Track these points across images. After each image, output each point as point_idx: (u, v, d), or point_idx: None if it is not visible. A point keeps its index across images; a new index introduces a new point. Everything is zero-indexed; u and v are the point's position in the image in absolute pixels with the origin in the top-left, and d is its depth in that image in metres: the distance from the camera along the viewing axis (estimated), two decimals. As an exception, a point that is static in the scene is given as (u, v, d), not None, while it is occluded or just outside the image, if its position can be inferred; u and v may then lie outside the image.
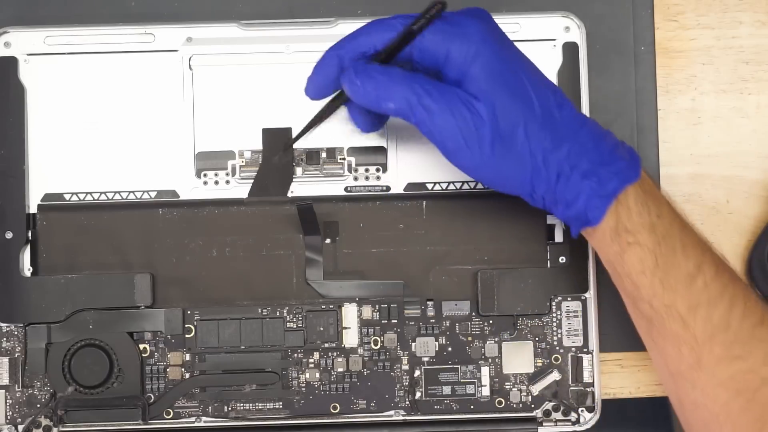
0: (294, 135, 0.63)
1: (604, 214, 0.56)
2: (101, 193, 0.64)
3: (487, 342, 0.64)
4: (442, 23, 0.56)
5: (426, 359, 0.64)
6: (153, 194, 0.64)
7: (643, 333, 0.59)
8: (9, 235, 0.64)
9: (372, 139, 0.64)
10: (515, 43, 0.57)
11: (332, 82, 0.58)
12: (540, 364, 0.64)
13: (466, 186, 0.65)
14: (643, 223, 0.56)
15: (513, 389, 0.64)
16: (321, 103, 0.60)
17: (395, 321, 0.64)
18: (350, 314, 0.64)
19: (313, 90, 0.58)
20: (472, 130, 0.55)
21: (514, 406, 0.64)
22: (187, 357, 0.64)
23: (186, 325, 0.64)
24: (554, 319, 0.64)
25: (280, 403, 0.64)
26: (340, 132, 0.64)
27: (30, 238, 0.64)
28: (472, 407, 0.64)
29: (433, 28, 0.55)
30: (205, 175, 0.64)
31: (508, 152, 0.55)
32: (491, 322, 0.64)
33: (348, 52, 0.57)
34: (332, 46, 0.57)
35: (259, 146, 0.64)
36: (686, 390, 0.57)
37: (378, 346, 0.64)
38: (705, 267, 0.56)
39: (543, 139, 0.55)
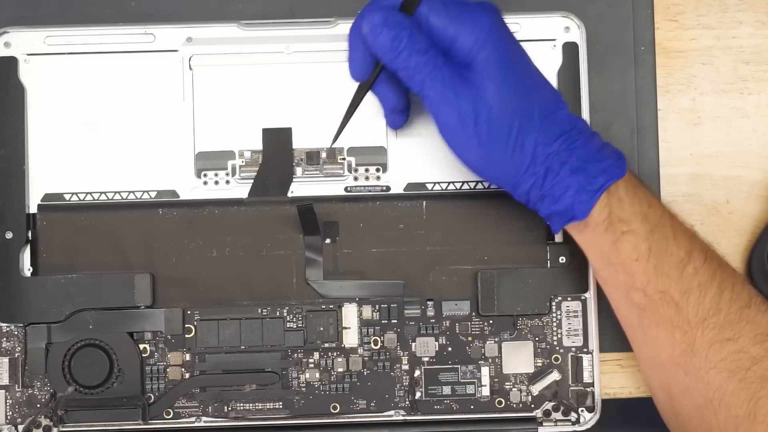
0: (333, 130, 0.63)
1: (590, 208, 0.57)
2: (101, 193, 0.64)
3: (487, 342, 0.64)
4: (453, 7, 0.57)
5: (426, 359, 0.64)
6: (153, 194, 0.64)
7: (633, 326, 0.60)
8: (9, 235, 0.64)
9: (372, 139, 0.64)
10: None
11: (368, 54, 0.58)
12: (540, 364, 0.64)
13: (466, 186, 0.65)
14: (635, 212, 0.57)
15: (513, 389, 0.64)
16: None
17: (395, 321, 0.64)
18: (350, 314, 0.64)
19: (355, 69, 0.60)
20: (469, 109, 0.56)
21: (514, 406, 0.64)
22: (187, 357, 0.64)
23: (186, 325, 0.64)
24: (554, 319, 0.64)
25: (280, 403, 0.64)
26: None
27: (30, 238, 0.64)
28: (472, 407, 0.64)
29: (443, 10, 0.57)
30: (205, 175, 0.64)
31: (500, 141, 0.56)
32: (491, 322, 0.64)
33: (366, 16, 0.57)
34: (352, 25, 0.59)
35: (259, 146, 0.64)
36: (678, 377, 0.58)
37: (378, 346, 0.64)
38: (695, 254, 0.58)
39: (537, 135, 0.57)
